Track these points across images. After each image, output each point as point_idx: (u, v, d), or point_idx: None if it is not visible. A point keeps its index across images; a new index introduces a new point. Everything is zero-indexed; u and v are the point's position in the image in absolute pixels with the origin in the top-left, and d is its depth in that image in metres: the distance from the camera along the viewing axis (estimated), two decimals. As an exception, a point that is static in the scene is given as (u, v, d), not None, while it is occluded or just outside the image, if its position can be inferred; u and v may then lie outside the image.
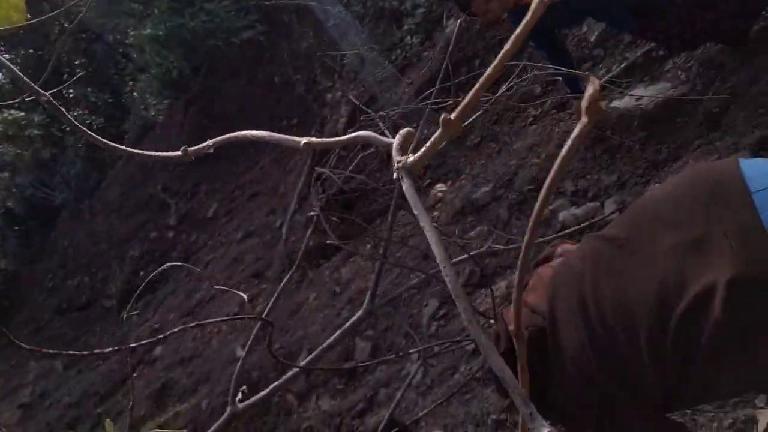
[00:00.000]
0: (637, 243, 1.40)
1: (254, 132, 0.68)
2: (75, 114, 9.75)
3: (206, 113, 7.86)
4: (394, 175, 0.46)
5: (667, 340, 1.27)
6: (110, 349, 1.90)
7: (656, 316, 1.28)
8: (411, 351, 3.16)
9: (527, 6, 2.50)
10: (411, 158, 0.47)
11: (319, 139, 0.59)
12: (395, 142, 0.51)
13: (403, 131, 0.53)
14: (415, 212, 0.46)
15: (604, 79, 3.65)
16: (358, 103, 4.78)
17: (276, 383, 2.78)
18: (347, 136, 0.58)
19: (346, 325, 2.95)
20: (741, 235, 1.25)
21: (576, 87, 3.38)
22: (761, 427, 1.91)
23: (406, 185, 0.45)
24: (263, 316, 3.04)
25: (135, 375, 5.24)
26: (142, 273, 6.69)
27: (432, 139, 0.47)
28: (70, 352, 1.69)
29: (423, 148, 0.47)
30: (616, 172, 3.25)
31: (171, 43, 7.57)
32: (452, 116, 0.47)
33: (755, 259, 1.22)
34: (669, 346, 1.27)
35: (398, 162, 0.47)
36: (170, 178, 7.45)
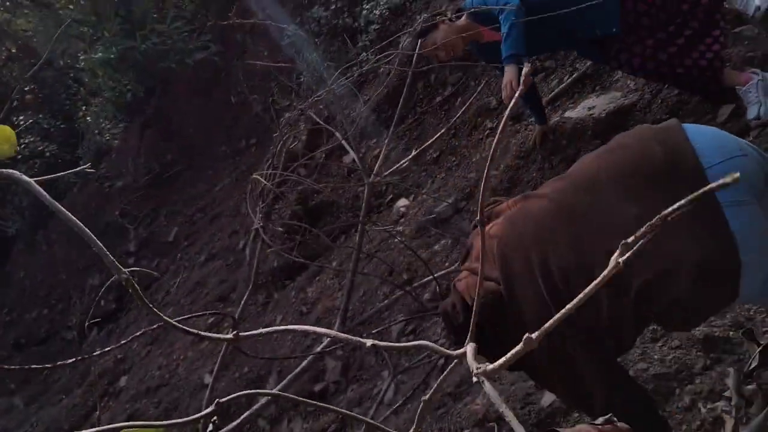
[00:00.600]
0: (590, 208, 1.49)
1: (315, 328, 0.71)
2: (27, 141, 9.50)
3: (163, 135, 7.75)
4: (474, 379, 0.53)
5: (627, 300, 1.42)
6: (72, 361, 1.85)
7: (617, 279, 1.37)
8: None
9: (491, 43, 2.52)
10: (490, 366, 0.55)
11: (384, 343, 0.64)
12: (469, 352, 0.59)
13: (471, 345, 0.61)
14: (501, 410, 0.53)
15: (556, 91, 3.73)
16: (319, 120, 4.78)
17: (248, 411, 2.74)
18: (412, 343, 0.65)
19: (317, 349, 2.93)
20: (702, 217, 1.35)
21: (541, 117, 3.44)
22: (728, 427, 1.95)
23: (489, 388, 0.53)
24: (231, 333, 3.01)
25: (101, 407, 5.10)
26: (102, 302, 6.54)
27: (511, 352, 0.55)
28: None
29: (502, 359, 0.55)
30: (573, 180, 3.31)
31: (123, 66, 7.46)
32: (534, 336, 0.53)
33: (716, 244, 1.34)
34: (629, 305, 1.42)
35: (477, 369, 0.54)
36: (128, 204, 7.32)
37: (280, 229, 4.78)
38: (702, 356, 2.10)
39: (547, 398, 2.43)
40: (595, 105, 3.37)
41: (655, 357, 2.28)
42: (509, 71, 2.80)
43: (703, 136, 1.46)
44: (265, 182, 4.16)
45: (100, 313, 6.31)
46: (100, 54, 7.27)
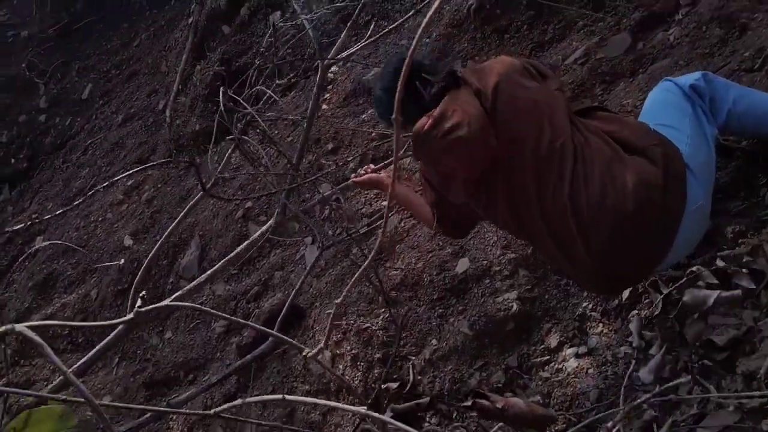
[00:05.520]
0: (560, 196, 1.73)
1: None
2: None
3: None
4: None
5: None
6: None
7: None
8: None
9: None
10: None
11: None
12: None
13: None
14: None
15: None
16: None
17: (178, 293, 2.70)
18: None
19: (255, 235, 2.88)
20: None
21: None
22: None
23: None
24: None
25: (14, 267, 5.00)
26: (13, 160, 6.19)
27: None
28: None
29: None
30: (504, 53, 3.27)
31: None
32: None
33: None
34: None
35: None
36: (36, 56, 6.75)
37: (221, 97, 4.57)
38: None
39: (461, 266, 2.54)
40: (531, -26, 3.26)
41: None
42: None
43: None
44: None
45: (10, 172, 6.01)
46: None
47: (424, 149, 1.81)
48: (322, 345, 0.87)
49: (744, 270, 1.77)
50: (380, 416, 0.65)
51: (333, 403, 0.77)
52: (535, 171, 1.71)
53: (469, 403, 2.04)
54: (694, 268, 1.85)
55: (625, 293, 1.96)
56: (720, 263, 1.80)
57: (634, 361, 1.87)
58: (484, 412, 1.95)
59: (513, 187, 1.74)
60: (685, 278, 1.85)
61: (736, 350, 1.69)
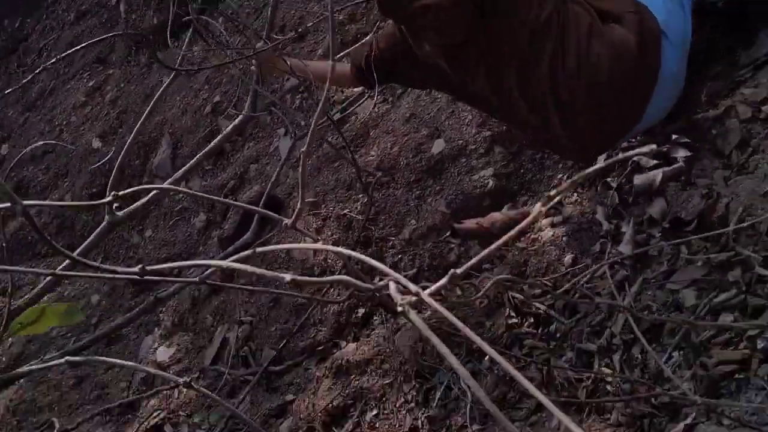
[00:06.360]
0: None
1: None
2: None
3: None
4: (398, 308, 0.53)
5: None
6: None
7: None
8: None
9: None
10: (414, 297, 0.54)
11: (302, 277, 0.61)
12: (392, 287, 0.56)
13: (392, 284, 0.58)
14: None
15: None
16: None
17: (151, 194, 2.66)
18: (329, 278, 0.70)
19: (227, 129, 2.82)
20: None
21: None
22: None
23: (414, 318, 0.53)
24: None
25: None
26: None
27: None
28: None
29: (432, 287, 0.56)
30: None
31: None
32: None
33: None
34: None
35: (403, 300, 0.54)
36: (-28, -49, 6.28)
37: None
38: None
39: (437, 147, 2.54)
40: None
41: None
42: None
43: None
44: None
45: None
46: None
47: (390, 6, 1.78)
48: (299, 206, 0.90)
49: (678, 139, 1.83)
50: (342, 250, 0.70)
51: (301, 246, 0.80)
52: (518, 45, 1.71)
53: (453, 229, 2.17)
54: (635, 158, 1.90)
55: (600, 160, 1.99)
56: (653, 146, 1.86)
57: (610, 243, 1.92)
58: (470, 234, 2.09)
59: (495, 59, 1.74)
60: (629, 168, 1.92)
61: (702, 220, 1.75)
